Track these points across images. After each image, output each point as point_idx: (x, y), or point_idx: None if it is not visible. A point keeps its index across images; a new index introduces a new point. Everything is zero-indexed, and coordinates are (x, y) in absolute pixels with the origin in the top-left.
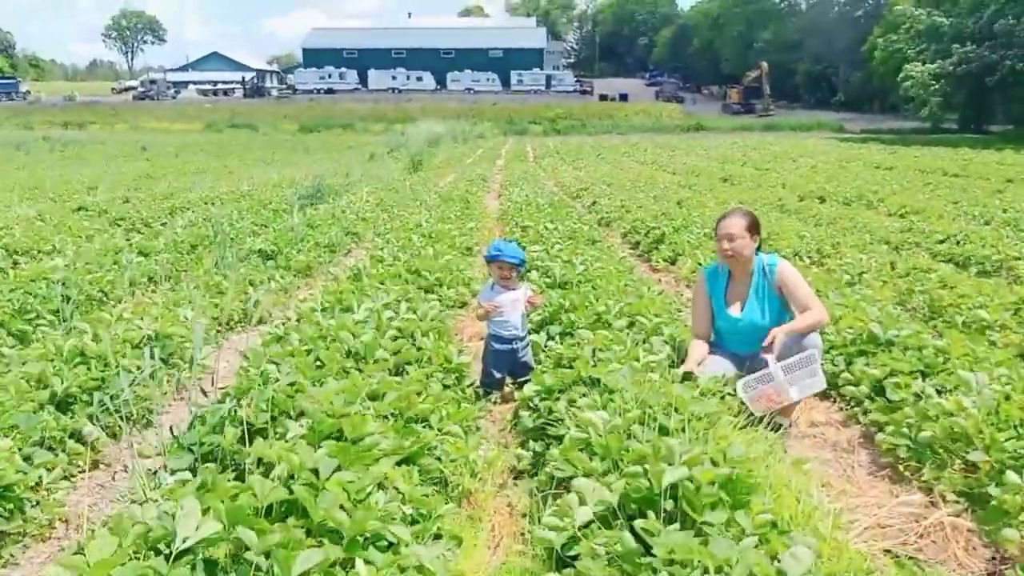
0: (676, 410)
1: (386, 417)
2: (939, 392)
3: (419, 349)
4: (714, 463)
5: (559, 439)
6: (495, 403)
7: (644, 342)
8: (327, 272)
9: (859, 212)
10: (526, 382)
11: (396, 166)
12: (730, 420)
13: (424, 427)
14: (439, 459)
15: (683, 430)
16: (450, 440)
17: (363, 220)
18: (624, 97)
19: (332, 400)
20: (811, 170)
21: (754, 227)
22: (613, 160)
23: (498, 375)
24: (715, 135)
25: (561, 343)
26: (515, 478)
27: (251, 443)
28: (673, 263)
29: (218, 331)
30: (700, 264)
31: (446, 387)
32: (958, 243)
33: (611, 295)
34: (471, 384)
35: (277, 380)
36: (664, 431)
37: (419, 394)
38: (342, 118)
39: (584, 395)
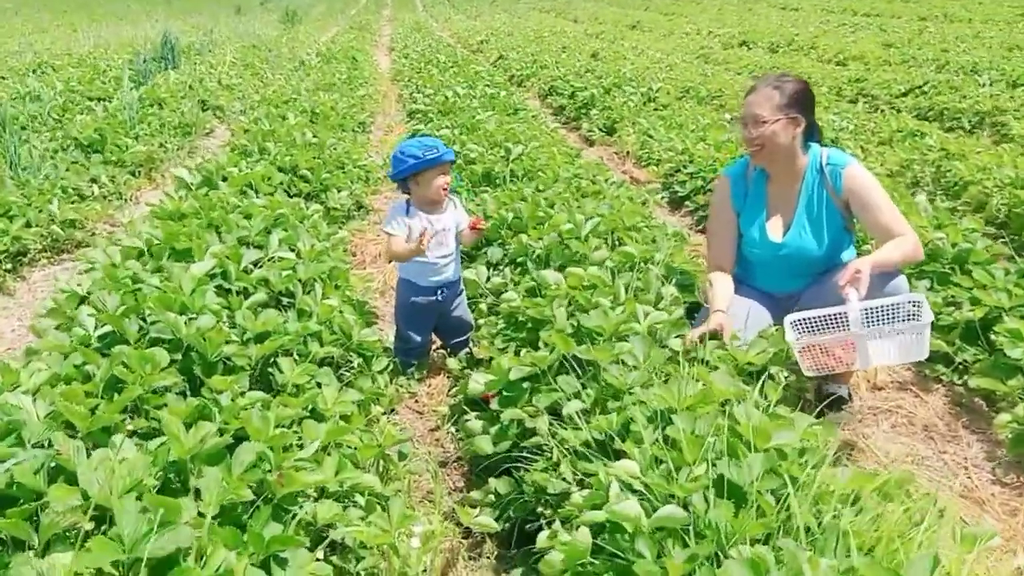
0: (752, 447)
1: (236, 510)
2: None
3: (300, 315)
4: None
5: (550, 502)
6: (418, 379)
7: (636, 278)
8: (178, 164)
9: (793, 59)
10: (462, 344)
11: (270, 19)
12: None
13: (309, 497)
14: (338, 550)
15: (785, 502)
16: (359, 528)
17: (227, 89)
18: None
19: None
20: (718, 12)
21: (796, 102)
22: (508, 7)
23: (419, 338)
24: None
25: (513, 282)
26: (466, 537)
27: None
28: (611, 133)
29: (7, 271)
30: (643, 130)
31: (346, 381)
32: (924, 94)
33: (566, 196)
34: (385, 367)
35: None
36: (741, 497)
37: (297, 424)
38: None
39: (574, 396)
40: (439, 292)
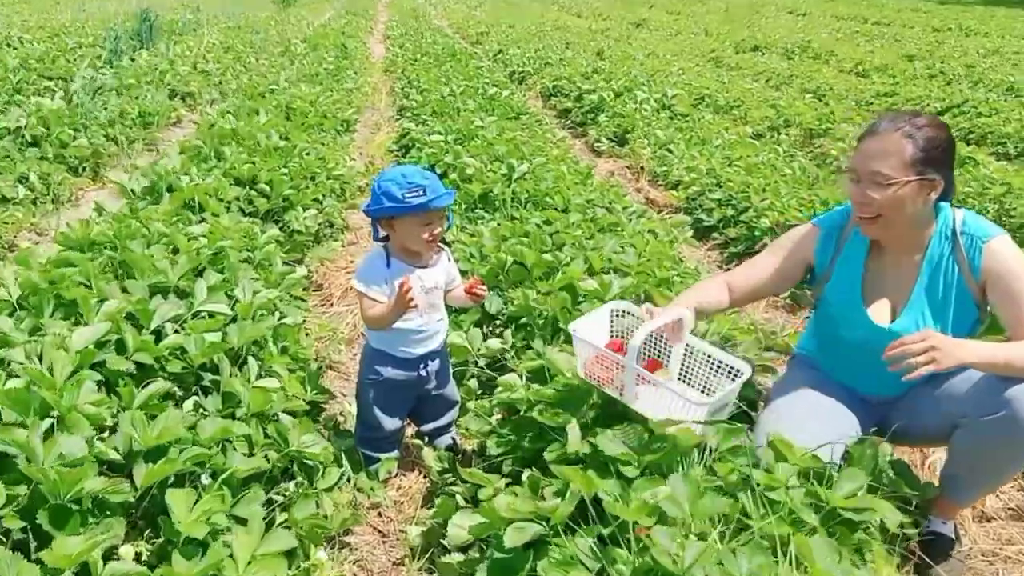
0: None
1: None
2: None
3: (226, 401)
4: None
5: None
6: (384, 480)
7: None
8: (134, 158)
9: (812, 67)
10: (443, 430)
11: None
12: None
13: None
14: None
15: None
16: None
17: (203, 74)
18: None
19: None
20: (725, 14)
21: (935, 157)
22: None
23: (391, 426)
24: None
25: (514, 348)
26: None
27: None
28: (622, 144)
29: None
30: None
31: (280, 504)
32: (963, 114)
33: (579, 234)
34: (335, 483)
35: None
36: None
37: None
38: None
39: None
40: (422, 366)
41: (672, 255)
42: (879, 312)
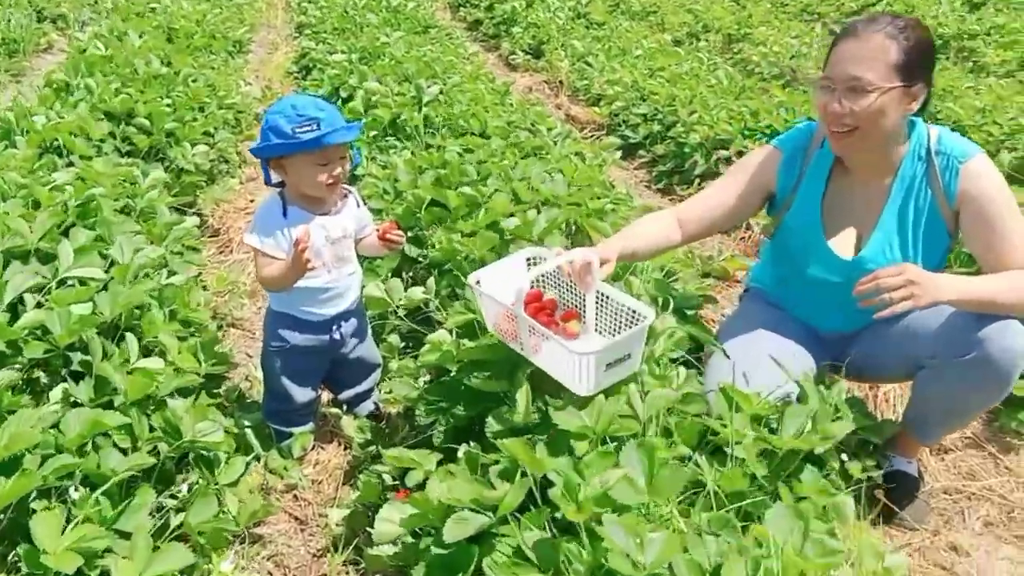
0: None
1: None
2: None
3: (99, 388)
4: None
5: None
6: (298, 458)
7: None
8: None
9: None
10: (363, 396)
11: None
12: None
13: None
14: None
15: None
16: None
17: None
18: None
19: None
20: None
21: (920, 63)
22: None
23: (302, 397)
24: None
25: (436, 295)
26: None
27: None
28: (537, 56)
29: None
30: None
31: (172, 507)
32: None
33: (504, 162)
34: (240, 475)
35: None
36: None
37: None
38: None
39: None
40: (334, 328)
41: (602, 180)
42: (842, 242)
